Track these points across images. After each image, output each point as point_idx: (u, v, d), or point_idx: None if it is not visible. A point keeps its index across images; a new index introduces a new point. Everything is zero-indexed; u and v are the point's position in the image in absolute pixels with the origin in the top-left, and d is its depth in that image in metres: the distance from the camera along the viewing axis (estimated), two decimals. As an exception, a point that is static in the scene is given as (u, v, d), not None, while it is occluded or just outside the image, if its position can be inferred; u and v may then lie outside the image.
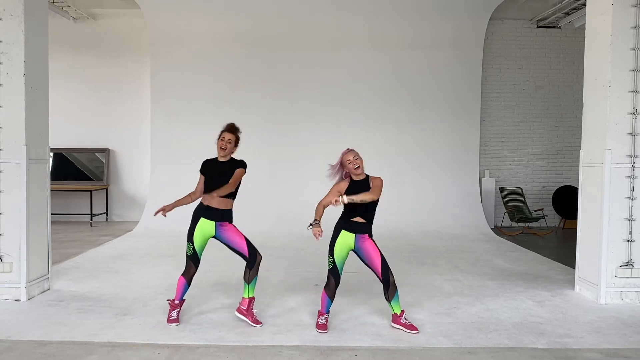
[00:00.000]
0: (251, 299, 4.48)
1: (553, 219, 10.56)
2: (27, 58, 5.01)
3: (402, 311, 4.37)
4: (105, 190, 10.59)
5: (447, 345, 4.02)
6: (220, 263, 6.73)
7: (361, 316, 4.68)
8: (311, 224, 4.14)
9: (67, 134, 10.41)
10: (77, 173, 10.62)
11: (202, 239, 4.50)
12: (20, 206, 5.01)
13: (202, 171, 4.58)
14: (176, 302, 4.49)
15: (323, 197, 4.28)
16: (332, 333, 4.25)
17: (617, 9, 5.07)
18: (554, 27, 10.53)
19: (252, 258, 4.46)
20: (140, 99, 10.50)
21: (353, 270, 6.31)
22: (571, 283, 5.79)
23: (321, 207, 4.23)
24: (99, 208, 10.52)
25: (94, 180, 10.59)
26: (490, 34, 10.50)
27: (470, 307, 5.00)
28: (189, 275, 4.52)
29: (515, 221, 9.83)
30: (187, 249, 4.50)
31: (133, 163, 10.64)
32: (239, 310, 4.49)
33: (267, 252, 6.78)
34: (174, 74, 10.09)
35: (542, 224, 10.15)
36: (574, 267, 5.75)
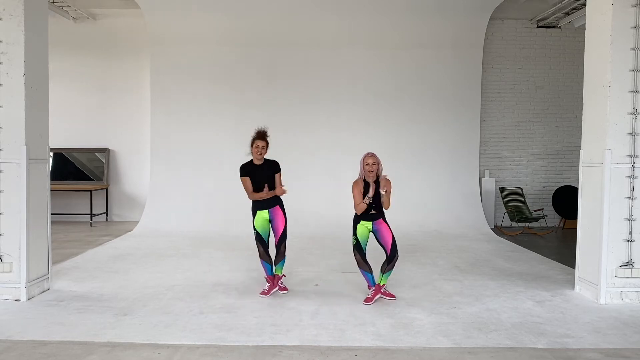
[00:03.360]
0: (275, 276, 5.39)
1: (553, 219, 10.56)
2: (27, 58, 5.01)
3: (384, 285, 5.19)
4: (105, 190, 10.58)
5: (447, 345, 4.02)
6: (220, 263, 6.74)
7: (361, 316, 4.68)
8: (371, 203, 4.96)
9: (67, 134, 10.41)
10: (77, 173, 10.62)
11: (263, 226, 5.32)
12: (20, 206, 5.01)
13: (245, 175, 5.27)
14: (265, 276, 5.45)
15: (354, 200, 5.01)
16: (332, 333, 4.25)
17: (617, 9, 5.07)
18: (554, 27, 10.53)
19: (278, 245, 5.33)
20: (140, 99, 10.50)
21: (353, 270, 6.32)
22: (571, 283, 5.79)
23: (362, 204, 4.97)
24: (99, 208, 10.52)
25: (94, 180, 10.58)
26: (490, 34, 10.50)
27: (470, 307, 5.00)
28: (261, 254, 5.35)
29: (515, 221, 9.83)
30: (254, 234, 5.36)
31: (133, 163, 10.64)
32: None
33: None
34: (174, 74, 10.08)
35: (542, 224, 10.15)
36: (574, 267, 5.75)
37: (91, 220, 10.23)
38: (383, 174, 5.02)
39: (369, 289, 5.18)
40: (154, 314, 4.67)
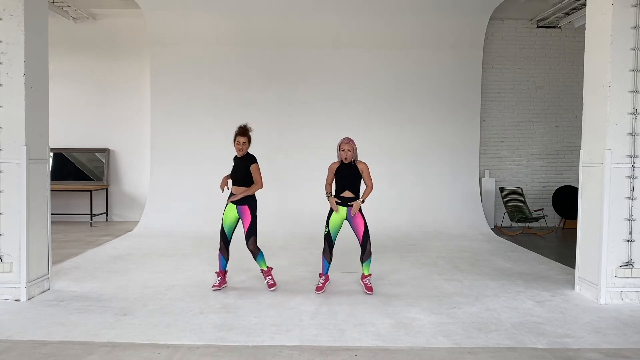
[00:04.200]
0: (262, 271, 5.60)
1: (553, 219, 10.56)
2: (27, 58, 5.01)
3: (369, 274, 5.48)
4: (105, 190, 10.59)
5: (447, 345, 4.02)
6: (220, 263, 6.74)
7: (361, 316, 4.68)
8: (328, 198, 5.37)
9: (67, 134, 10.42)
10: (77, 173, 10.62)
11: (229, 221, 5.52)
12: (20, 206, 5.01)
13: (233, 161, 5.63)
14: (216, 271, 5.72)
15: (326, 177, 5.45)
16: (332, 333, 4.25)
17: (617, 9, 5.07)
18: (554, 27, 10.53)
19: (246, 241, 5.47)
20: (140, 99, 10.50)
21: (354, 270, 6.33)
22: (571, 283, 5.79)
23: (328, 186, 5.42)
24: (99, 208, 10.52)
25: (94, 180, 10.58)
26: (490, 34, 10.50)
27: (470, 307, 5.00)
28: (220, 247, 5.56)
29: (515, 221, 9.83)
30: (220, 226, 5.60)
31: (133, 163, 10.64)
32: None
33: (267, 252, 6.78)
34: (174, 74, 10.08)
35: (542, 224, 10.15)
36: (574, 267, 5.75)
37: (91, 220, 10.23)
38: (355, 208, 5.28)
39: (319, 277, 5.55)
40: (154, 314, 4.67)
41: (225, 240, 5.52)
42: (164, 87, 10.08)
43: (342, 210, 5.34)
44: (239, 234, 5.71)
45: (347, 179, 5.33)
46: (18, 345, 3.93)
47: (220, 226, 5.56)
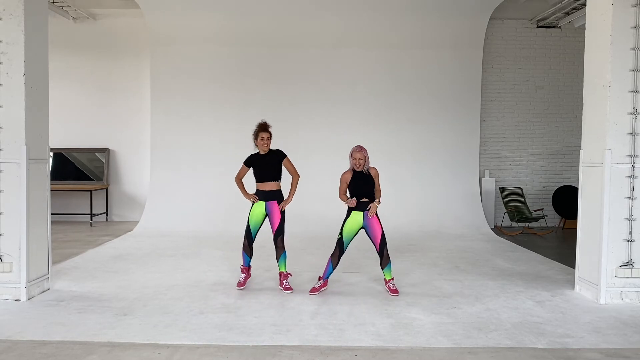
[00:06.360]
0: (280, 274, 5.53)
1: (553, 219, 10.56)
2: (27, 58, 5.01)
3: (392, 278, 5.45)
4: (105, 190, 10.59)
5: (447, 345, 4.02)
6: (220, 263, 6.74)
7: (361, 316, 4.68)
8: (348, 204, 5.26)
9: (67, 134, 10.42)
10: (77, 173, 10.62)
11: (256, 219, 5.53)
12: (20, 206, 5.01)
13: (247, 163, 5.59)
14: (241, 266, 5.67)
15: (339, 188, 5.37)
16: (332, 333, 4.25)
17: (617, 9, 5.07)
18: (554, 27, 10.53)
19: (275, 238, 5.51)
20: (140, 99, 10.50)
21: (356, 270, 6.33)
22: (571, 283, 5.79)
23: (344, 196, 5.32)
24: (99, 208, 10.52)
25: (94, 180, 10.59)
26: (490, 34, 10.50)
27: (470, 307, 5.00)
28: (244, 245, 5.59)
29: (515, 221, 9.83)
30: (246, 225, 5.58)
31: (133, 163, 10.64)
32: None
33: (268, 252, 6.79)
34: (174, 74, 10.08)
35: (542, 224, 10.15)
36: (574, 267, 5.75)
37: (91, 220, 10.23)
38: (374, 203, 5.27)
39: (319, 280, 5.49)
40: (154, 314, 4.67)
41: (250, 238, 5.54)
42: (164, 87, 10.08)
43: (359, 215, 5.27)
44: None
45: (362, 187, 5.30)
46: (18, 345, 3.93)
47: (246, 224, 5.55)
